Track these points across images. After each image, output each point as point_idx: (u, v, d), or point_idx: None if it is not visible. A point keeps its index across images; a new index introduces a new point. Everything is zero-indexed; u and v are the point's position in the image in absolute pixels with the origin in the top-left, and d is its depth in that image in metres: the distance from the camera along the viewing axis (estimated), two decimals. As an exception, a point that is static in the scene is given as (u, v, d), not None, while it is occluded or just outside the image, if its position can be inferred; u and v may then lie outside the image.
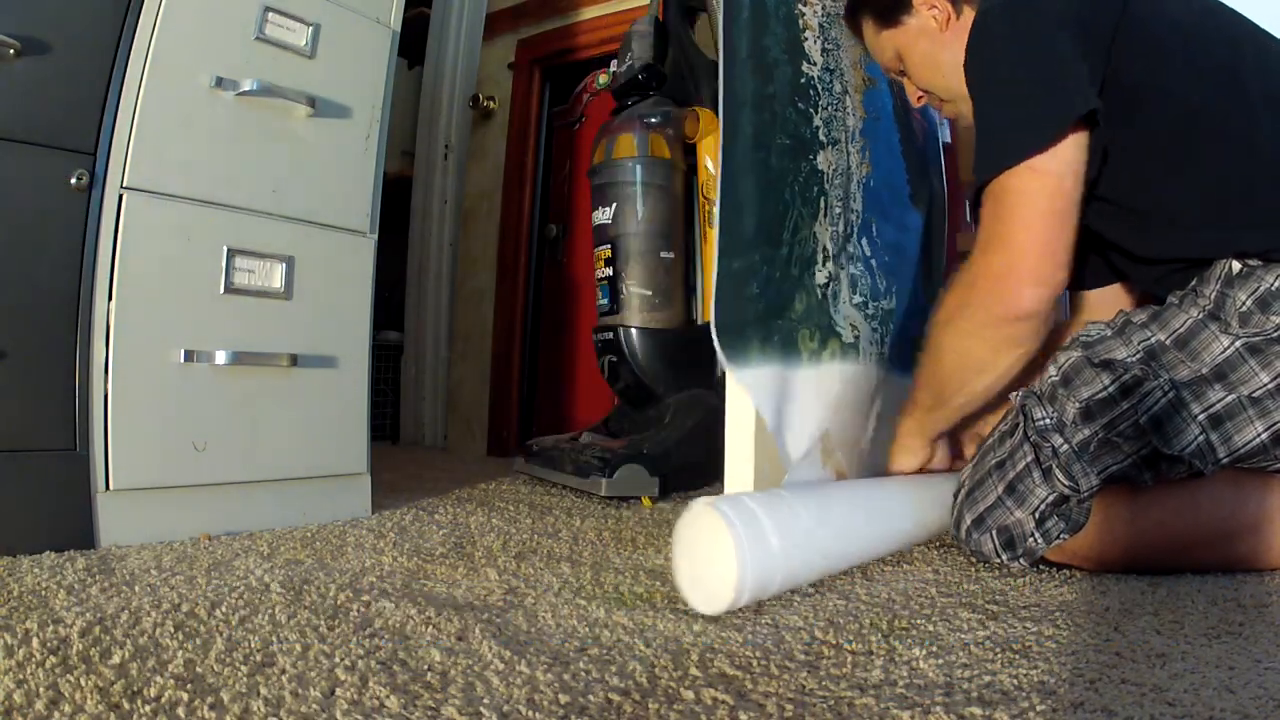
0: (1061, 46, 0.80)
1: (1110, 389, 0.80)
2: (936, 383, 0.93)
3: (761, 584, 0.69)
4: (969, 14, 0.94)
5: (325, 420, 1.11)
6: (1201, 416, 0.78)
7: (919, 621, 0.67)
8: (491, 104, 2.38)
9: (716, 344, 1.00)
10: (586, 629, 0.64)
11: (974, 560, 0.90)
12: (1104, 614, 0.68)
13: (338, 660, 0.55)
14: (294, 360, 1.06)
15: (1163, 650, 0.58)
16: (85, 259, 0.89)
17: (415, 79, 2.56)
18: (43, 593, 0.69)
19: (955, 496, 0.89)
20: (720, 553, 0.67)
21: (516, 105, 2.33)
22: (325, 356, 1.11)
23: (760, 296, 1.05)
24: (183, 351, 0.96)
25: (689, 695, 0.50)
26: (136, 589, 0.72)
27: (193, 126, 0.98)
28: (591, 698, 0.49)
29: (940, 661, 0.57)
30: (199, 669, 0.53)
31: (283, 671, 0.53)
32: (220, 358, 0.98)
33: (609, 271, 1.57)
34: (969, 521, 0.85)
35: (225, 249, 1.00)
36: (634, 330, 1.53)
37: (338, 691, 0.49)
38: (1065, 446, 0.79)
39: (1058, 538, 0.80)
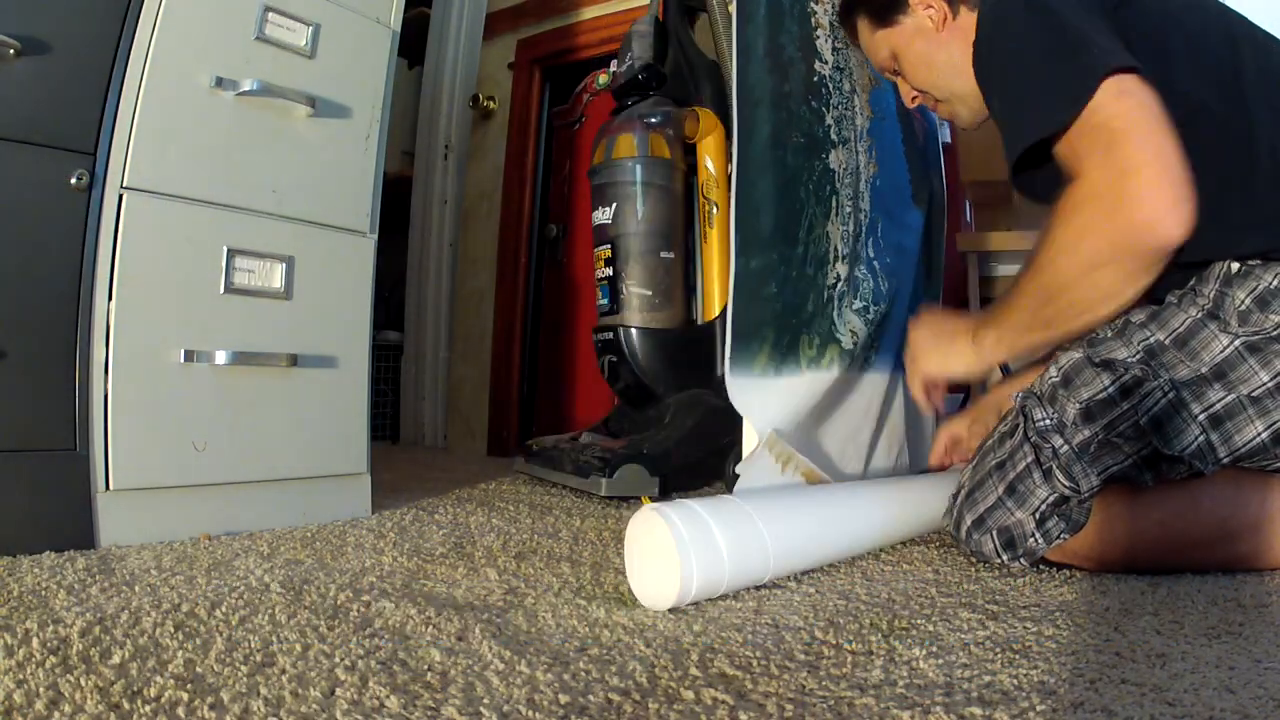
0: (1092, 18, 0.78)
1: (1110, 389, 0.80)
2: (1047, 309, 0.82)
3: (707, 578, 0.70)
4: (965, 15, 0.94)
5: (325, 420, 1.11)
6: (1202, 416, 0.78)
7: (919, 621, 0.67)
8: (491, 104, 2.39)
9: (729, 343, 1.00)
10: (586, 629, 0.64)
11: (974, 560, 0.90)
12: (1104, 614, 0.68)
13: (338, 660, 0.55)
14: (294, 360, 1.06)
15: (1163, 650, 0.58)
16: (85, 259, 0.89)
17: (415, 79, 2.56)
18: (43, 593, 0.69)
19: (955, 497, 0.89)
20: (661, 548, 0.70)
21: (516, 105, 2.34)
22: (325, 356, 1.11)
23: (778, 296, 1.06)
24: (183, 351, 0.96)
25: (689, 695, 0.50)
26: (136, 589, 0.72)
27: (193, 127, 0.98)
28: (591, 698, 0.49)
29: (940, 661, 0.57)
30: (199, 669, 0.53)
31: (283, 671, 0.53)
32: (220, 358, 0.98)
33: (609, 271, 1.57)
34: (969, 522, 0.85)
35: (225, 249, 1.00)
36: (634, 330, 1.53)
37: (338, 691, 0.49)
38: (1065, 447, 0.79)
39: (1058, 538, 0.80)
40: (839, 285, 1.16)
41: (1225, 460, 0.79)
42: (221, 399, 1.00)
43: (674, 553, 0.68)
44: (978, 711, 0.47)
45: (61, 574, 0.76)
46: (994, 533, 0.83)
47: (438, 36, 2.45)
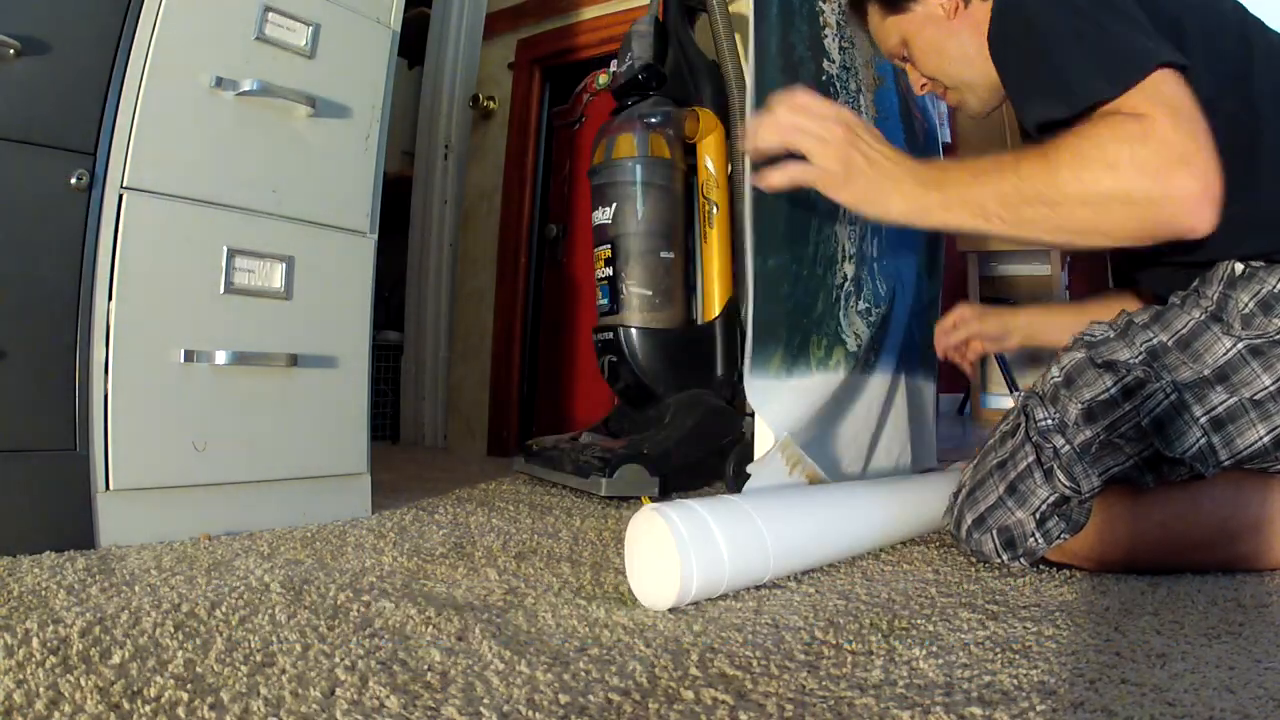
0: (1121, 3, 0.77)
1: (1112, 390, 0.80)
2: (1026, 209, 0.77)
3: (707, 577, 0.70)
4: (977, 4, 0.93)
5: (325, 420, 1.11)
6: (1203, 419, 0.78)
7: (919, 621, 0.67)
8: (491, 104, 2.38)
9: (749, 343, 1.00)
10: (586, 629, 0.64)
11: (974, 560, 0.90)
12: (1104, 614, 0.68)
13: (338, 660, 0.55)
14: (294, 360, 1.06)
15: (1163, 650, 0.58)
16: (85, 259, 0.89)
17: (415, 79, 2.56)
18: (43, 593, 0.69)
19: (955, 496, 0.89)
20: (662, 547, 0.70)
21: (516, 105, 2.33)
22: (325, 356, 1.11)
23: (791, 295, 1.06)
24: (183, 351, 0.96)
25: (689, 695, 0.50)
26: (136, 589, 0.72)
27: (193, 127, 0.98)
28: (591, 698, 0.49)
29: (940, 661, 0.57)
30: (199, 669, 0.53)
31: (283, 671, 0.53)
32: (220, 358, 0.98)
33: (609, 271, 1.57)
34: (969, 521, 0.85)
35: (225, 249, 1.00)
36: (634, 330, 1.53)
37: (338, 691, 0.49)
38: (1067, 447, 0.79)
39: (1058, 538, 0.80)
40: (846, 285, 1.16)
41: (1226, 463, 0.79)
42: (221, 399, 1.00)
43: (674, 552, 0.68)
44: (978, 711, 0.47)
45: (61, 574, 0.76)
46: (994, 532, 0.83)
47: (438, 36, 2.45)
